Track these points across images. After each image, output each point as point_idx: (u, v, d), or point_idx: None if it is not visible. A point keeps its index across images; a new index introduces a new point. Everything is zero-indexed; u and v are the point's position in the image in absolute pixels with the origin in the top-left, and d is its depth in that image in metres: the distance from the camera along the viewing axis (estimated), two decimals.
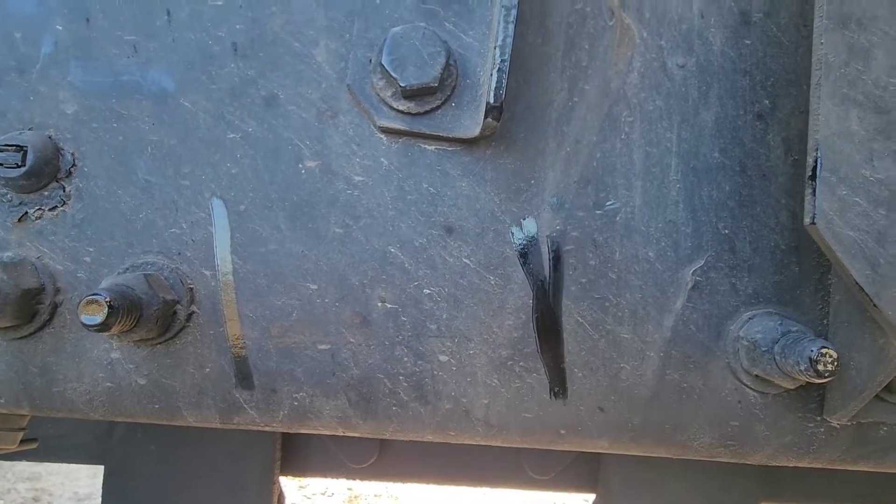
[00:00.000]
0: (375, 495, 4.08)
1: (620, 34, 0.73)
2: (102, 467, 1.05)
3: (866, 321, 0.62)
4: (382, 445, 1.15)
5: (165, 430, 1.08)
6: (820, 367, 0.60)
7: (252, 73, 0.71)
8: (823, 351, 0.60)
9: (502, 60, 0.61)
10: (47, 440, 1.09)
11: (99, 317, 0.57)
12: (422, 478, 1.17)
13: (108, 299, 0.58)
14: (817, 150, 0.58)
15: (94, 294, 0.58)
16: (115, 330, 0.59)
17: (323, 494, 4.08)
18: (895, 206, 0.57)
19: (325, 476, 1.18)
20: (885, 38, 0.58)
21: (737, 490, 1.12)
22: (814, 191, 0.57)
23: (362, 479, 1.18)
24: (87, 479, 3.99)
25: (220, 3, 0.71)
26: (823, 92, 0.58)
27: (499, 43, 0.61)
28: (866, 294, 0.57)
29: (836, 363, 0.60)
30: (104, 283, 0.64)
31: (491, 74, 0.62)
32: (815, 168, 0.57)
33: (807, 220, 0.58)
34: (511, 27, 0.61)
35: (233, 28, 0.71)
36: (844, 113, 0.57)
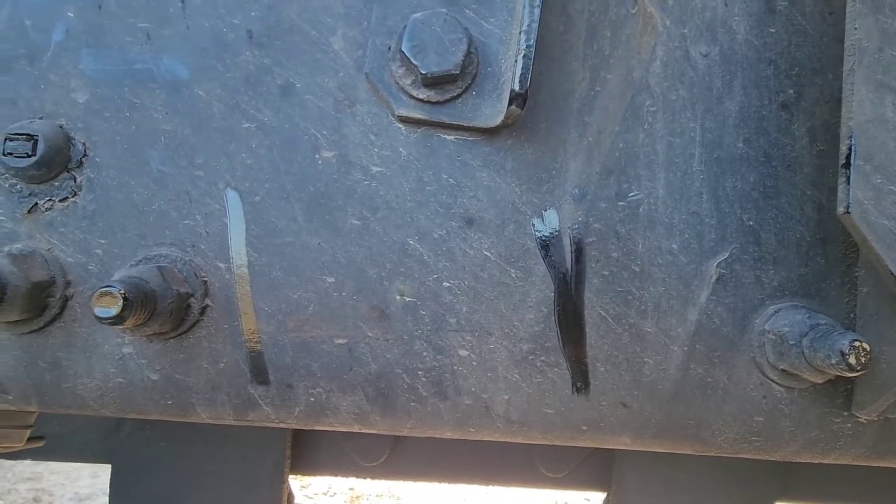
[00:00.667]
0: (377, 495, 4.06)
1: (643, 22, 0.72)
2: (108, 466, 1.03)
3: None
4: (394, 444, 1.13)
5: (174, 428, 1.06)
6: (852, 361, 0.59)
7: (268, 61, 0.69)
8: (856, 344, 0.59)
9: (528, 46, 0.60)
10: (53, 438, 1.07)
11: (113, 309, 0.56)
12: (433, 476, 1.15)
13: (122, 291, 0.56)
14: (851, 137, 0.56)
15: (107, 286, 0.56)
16: (129, 323, 0.58)
17: (325, 494, 4.06)
18: None
19: (336, 475, 1.16)
20: None
21: (752, 489, 1.10)
22: (848, 179, 0.56)
23: (373, 477, 1.16)
24: (89, 479, 3.96)
25: None
26: (857, 78, 0.57)
27: (524, 28, 0.60)
28: None
29: (868, 356, 0.59)
30: (117, 276, 0.63)
31: (515, 61, 0.60)
32: (848, 156, 0.56)
33: (840, 209, 0.56)
34: (537, 12, 0.60)
35: (248, 15, 0.70)
36: (879, 99, 0.56)
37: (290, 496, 1.14)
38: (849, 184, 0.56)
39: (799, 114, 0.72)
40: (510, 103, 0.62)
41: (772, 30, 0.72)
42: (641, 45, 0.72)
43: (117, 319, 0.56)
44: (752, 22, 0.72)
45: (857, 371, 0.59)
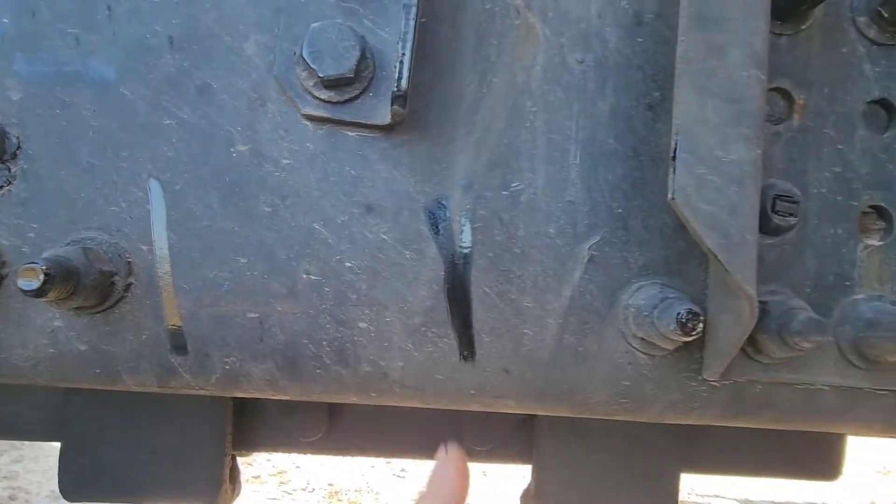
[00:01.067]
0: (356, 490, 4.12)
1: (525, 32, 0.81)
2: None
3: (729, 286, 0.71)
4: (331, 421, 1.21)
5: (121, 407, 1.13)
6: (687, 326, 0.69)
7: (187, 64, 0.77)
8: (690, 311, 0.69)
9: (403, 53, 0.68)
10: (4, 417, 1.14)
11: (35, 283, 0.63)
12: (368, 451, 1.24)
13: (44, 267, 0.64)
14: (678, 134, 0.66)
15: (31, 263, 0.64)
16: (52, 296, 0.65)
17: (304, 490, 4.12)
18: (745, 184, 0.66)
19: (278, 450, 1.24)
20: (737, 37, 0.66)
21: (659, 461, 1.20)
22: (674, 170, 0.65)
23: (313, 452, 1.24)
24: None
25: None
26: (684, 84, 0.66)
27: (401, 37, 0.68)
28: (720, 261, 0.65)
29: (699, 320, 0.68)
30: (44, 255, 0.70)
31: (394, 66, 0.69)
32: (675, 150, 0.66)
33: (669, 196, 0.66)
34: (412, 23, 0.68)
35: (169, 22, 0.77)
36: (702, 102, 0.66)
37: (235, 470, 1.22)
38: (675, 174, 0.65)
39: (663, 114, 0.81)
40: (393, 103, 0.71)
41: (640, 39, 0.82)
42: (524, 53, 0.81)
43: (39, 292, 0.64)
44: (623, 32, 0.82)
45: (692, 335, 0.69)
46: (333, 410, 1.21)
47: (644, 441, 1.19)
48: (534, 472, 1.21)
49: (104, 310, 0.75)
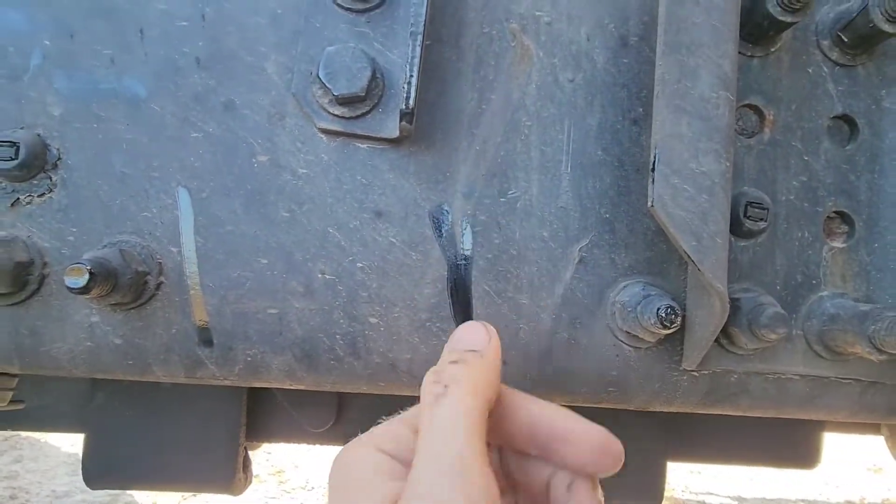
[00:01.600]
0: None
1: (521, 53, 0.89)
2: (84, 447, 1.16)
3: (703, 285, 0.79)
4: (339, 412, 1.28)
5: (142, 399, 1.20)
6: (666, 320, 0.76)
7: (212, 82, 0.85)
8: (668, 306, 0.76)
9: (411, 75, 0.76)
10: (31, 410, 1.20)
11: (81, 280, 0.71)
12: None
13: (89, 267, 0.71)
14: (656, 147, 0.74)
15: (77, 263, 0.71)
16: (94, 294, 0.72)
17: (303, 489, 4.17)
18: (715, 193, 0.74)
19: (289, 441, 1.31)
20: (708, 61, 0.74)
21: (646, 449, 1.28)
22: (653, 180, 0.73)
23: (322, 443, 1.31)
24: (66, 476, 4.02)
25: (185, 23, 0.85)
26: (661, 103, 0.74)
27: (409, 60, 0.76)
28: (693, 261, 0.73)
29: (676, 315, 0.76)
30: (85, 256, 0.77)
31: (403, 86, 0.77)
32: (654, 162, 0.74)
33: (648, 203, 0.74)
34: (418, 49, 0.76)
35: (196, 44, 0.85)
36: (677, 119, 0.74)
37: (247, 460, 1.29)
38: (653, 183, 0.73)
39: (646, 128, 0.89)
40: (401, 119, 0.78)
41: (625, 60, 0.90)
42: (519, 72, 0.89)
43: (84, 290, 0.71)
44: (609, 54, 0.90)
45: (669, 328, 0.77)
46: (341, 402, 1.28)
47: (631, 430, 1.27)
48: None
49: (137, 306, 0.82)
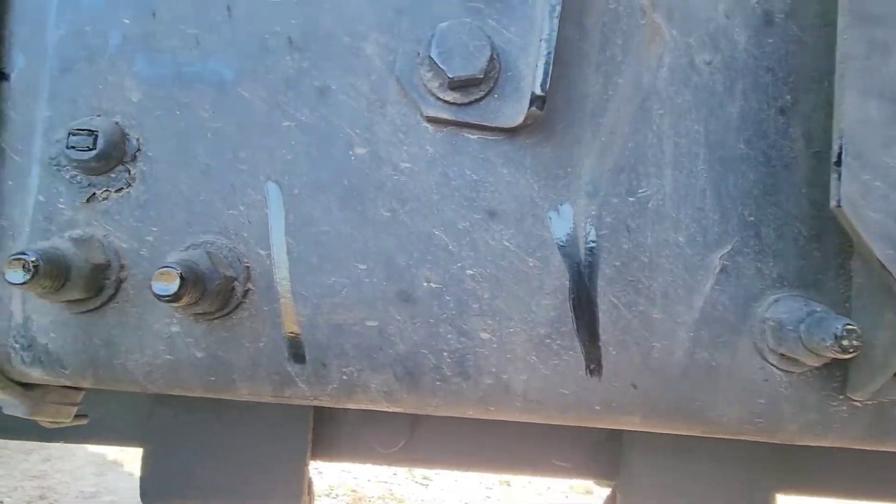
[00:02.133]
0: (380, 497, 4.08)
1: (651, 32, 0.78)
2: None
3: (888, 301, 0.66)
4: (411, 433, 1.18)
5: (204, 413, 1.11)
6: (845, 343, 0.64)
7: (306, 64, 0.76)
8: (848, 327, 0.64)
9: (548, 53, 0.66)
10: (90, 423, 1.12)
11: (172, 287, 0.61)
12: (448, 464, 1.20)
13: (180, 271, 0.62)
14: (841, 137, 0.62)
15: (167, 266, 0.62)
16: (183, 301, 0.63)
17: (328, 496, 4.08)
18: None
19: (355, 461, 1.21)
20: None
21: (752, 481, 1.15)
22: (839, 176, 0.61)
23: (391, 464, 1.20)
24: (93, 477, 4.00)
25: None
26: (846, 83, 0.62)
27: (544, 37, 0.66)
28: (888, 271, 0.61)
29: (860, 339, 0.64)
30: (171, 258, 0.68)
31: (536, 66, 0.66)
32: (840, 154, 0.62)
33: (833, 203, 0.62)
34: (556, 22, 0.66)
35: (288, 23, 0.76)
36: (865, 103, 0.62)
37: (310, 482, 1.19)
38: (840, 180, 0.61)
39: (796, 118, 0.77)
40: (531, 105, 0.68)
41: (770, 40, 0.78)
42: (650, 53, 0.78)
43: (174, 297, 0.62)
44: (752, 32, 0.78)
45: (850, 353, 0.64)
46: (414, 421, 1.18)
47: (736, 460, 1.14)
48: (619, 491, 1.16)
49: (223, 315, 0.73)
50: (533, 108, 0.68)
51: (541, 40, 0.66)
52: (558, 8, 0.66)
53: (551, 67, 0.66)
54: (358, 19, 0.76)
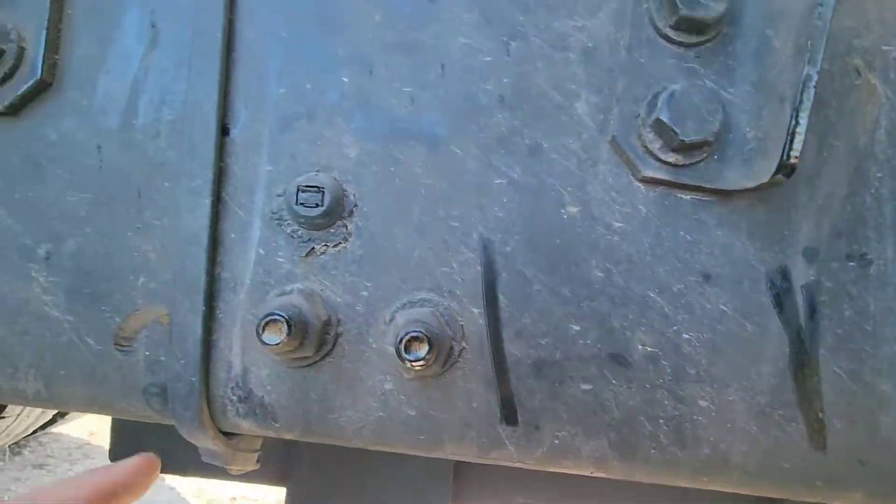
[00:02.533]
0: None
1: (867, 93, 0.76)
2: (284, 489, 1.08)
3: None
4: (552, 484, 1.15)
5: (346, 455, 1.10)
6: None
7: (517, 123, 0.76)
8: None
9: (798, 123, 0.65)
10: None
11: (421, 352, 0.61)
12: None
13: (426, 335, 0.61)
14: None
15: (415, 330, 0.62)
16: (429, 361, 0.63)
17: None
18: None
19: None
20: None
21: None
22: None
23: None
24: None
25: (489, 58, 0.77)
26: None
27: (801, 107, 0.64)
28: None
29: None
30: (401, 319, 0.68)
31: (789, 134, 0.65)
32: None
33: None
34: (812, 92, 0.65)
35: (500, 81, 0.76)
36: None
37: None
38: None
39: None
40: (777, 171, 0.66)
41: None
42: (865, 115, 0.76)
43: (422, 360, 0.61)
44: None
45: None
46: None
47: None
48: None
49: (435, 375, 0.72)
50: (779, 176, 0.67)
51: (796, 110, 0.65)
52: (815, 77, 0.65)
53: (804, 137, 0.65)
54: (569, 78, 0.76)
